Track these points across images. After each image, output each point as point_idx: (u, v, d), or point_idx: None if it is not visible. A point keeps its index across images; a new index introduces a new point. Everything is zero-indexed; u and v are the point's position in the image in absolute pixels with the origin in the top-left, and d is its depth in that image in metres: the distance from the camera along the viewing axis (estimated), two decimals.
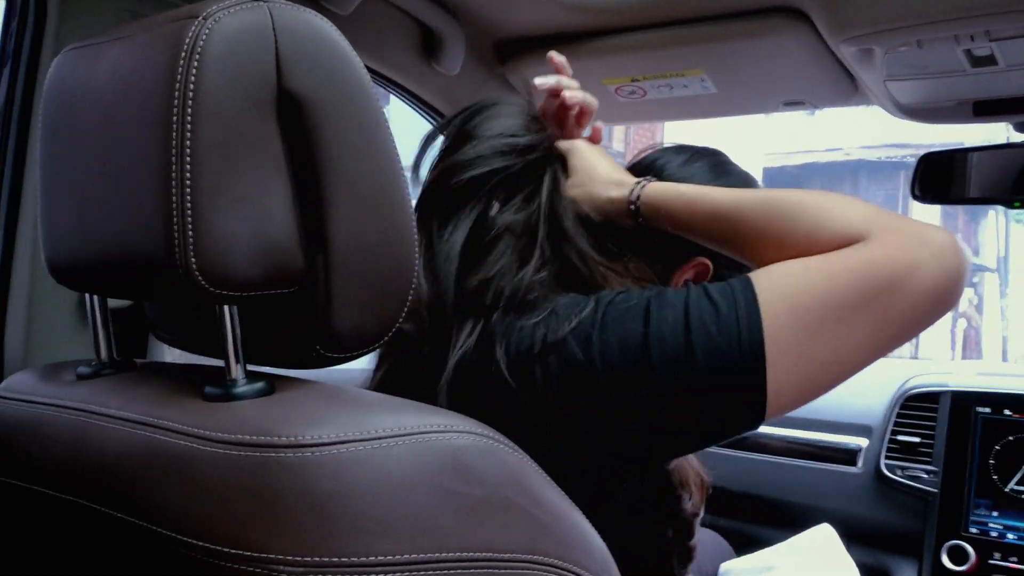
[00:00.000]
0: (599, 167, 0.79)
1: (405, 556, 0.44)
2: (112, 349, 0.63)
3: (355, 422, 0.46)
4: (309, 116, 0.51)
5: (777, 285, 0.62)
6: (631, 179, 0.78)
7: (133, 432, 0.50)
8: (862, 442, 1.45)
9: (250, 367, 0.53)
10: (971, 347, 11.11)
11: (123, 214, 0.51)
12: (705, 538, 1.43)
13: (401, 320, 0.56)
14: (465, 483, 0.47)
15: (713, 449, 1.57)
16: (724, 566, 1.30)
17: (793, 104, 1.15)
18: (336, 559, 0.43)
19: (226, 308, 0.51)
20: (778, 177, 10.80)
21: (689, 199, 0.73)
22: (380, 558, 0.44)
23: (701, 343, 0.60)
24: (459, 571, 0.46)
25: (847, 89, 1.08)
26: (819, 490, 1.46)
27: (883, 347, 0.64)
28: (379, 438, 0.45)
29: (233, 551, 0.44)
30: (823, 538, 1.25)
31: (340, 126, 0.52)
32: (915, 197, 1.17)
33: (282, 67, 0.50)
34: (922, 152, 1.13)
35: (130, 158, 0.50)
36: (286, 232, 0.50)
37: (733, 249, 0.72)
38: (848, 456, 1.45)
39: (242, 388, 0.51)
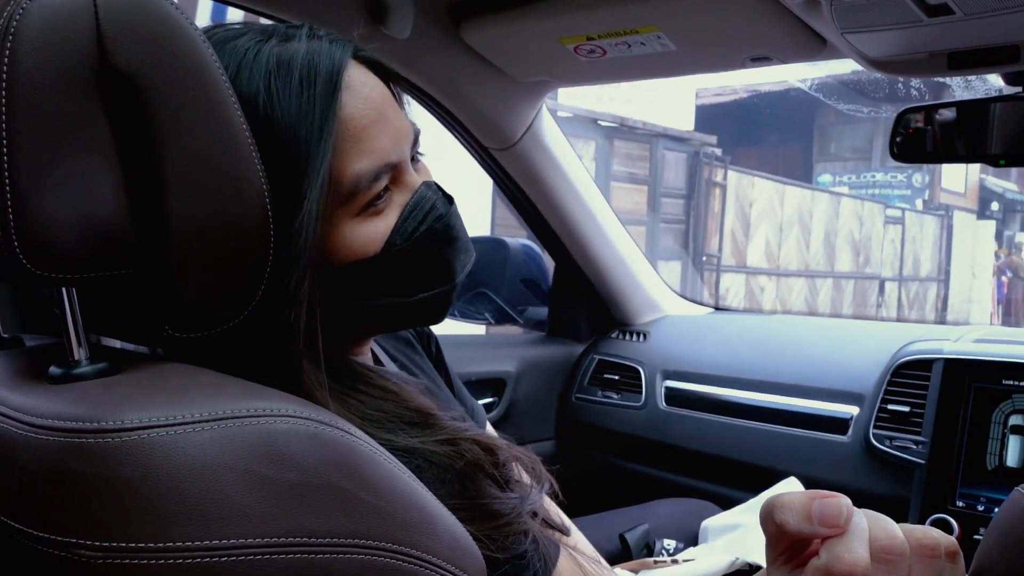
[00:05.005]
0: None
1: (207, 542, 0.44)
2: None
3: (165, 407, 0.46)
4: (140, 94, 0.50)
5: None
6: None
7: None
8: (853, 410, 1.40)
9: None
10: (1019, 308, 9.48)
11: None
12: (693, 508, 1.43)
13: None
14: (278, 467, 0.46)
15: (702, 415, 1.56)
16: (704, 523, 1.31)
17: (759, 60, 1.09)
18: (134, 544, 0.43)
19: (64, 290, 0.51)
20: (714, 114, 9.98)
21: None
22: (180, 544, 0.43)
23: None
24: (271, 556, 0.45)
25: (814, 43, 1.01)
26: (808, 458, 1.42)
27: None
28: (185, 423, 0.45)
29: (41, 534, 0.44)
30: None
31: (175, 103, 0.51)
32: (893, 155, 1.10)
33: (106, 44, 0.49)
34: None
35: None
36: (116, 213, 0.50)
37: None
38: (838, 425, 1.41)
39: (83, 369, 0.51)
